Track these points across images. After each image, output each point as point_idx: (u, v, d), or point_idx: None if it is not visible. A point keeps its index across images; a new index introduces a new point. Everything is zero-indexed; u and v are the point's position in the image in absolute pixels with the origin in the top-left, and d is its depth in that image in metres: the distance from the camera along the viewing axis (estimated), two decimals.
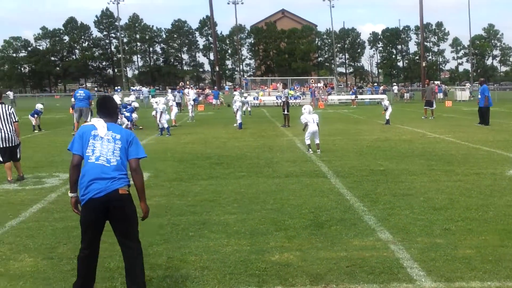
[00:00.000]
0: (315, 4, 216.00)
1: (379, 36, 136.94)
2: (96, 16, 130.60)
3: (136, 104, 26.50)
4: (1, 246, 6.88)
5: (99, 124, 5.16)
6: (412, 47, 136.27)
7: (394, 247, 6.60)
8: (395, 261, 6.09)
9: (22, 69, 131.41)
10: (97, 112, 5.36)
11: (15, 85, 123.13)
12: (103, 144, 5.05)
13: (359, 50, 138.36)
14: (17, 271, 5.97)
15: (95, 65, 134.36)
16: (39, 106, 26.94)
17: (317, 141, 15.46)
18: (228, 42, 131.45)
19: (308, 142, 15.45)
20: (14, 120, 11.76)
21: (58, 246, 6.88)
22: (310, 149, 15.29)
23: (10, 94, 66.85)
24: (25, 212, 8.77)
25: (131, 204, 5.18)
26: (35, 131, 25.15)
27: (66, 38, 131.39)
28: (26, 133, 24.14)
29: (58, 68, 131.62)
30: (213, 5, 63.18)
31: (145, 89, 66.92)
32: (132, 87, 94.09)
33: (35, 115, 26.11)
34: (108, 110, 5.35)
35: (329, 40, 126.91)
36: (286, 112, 26.24)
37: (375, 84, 79.02)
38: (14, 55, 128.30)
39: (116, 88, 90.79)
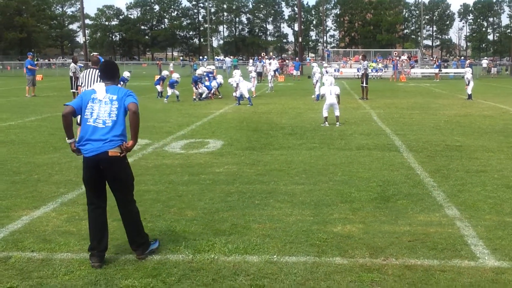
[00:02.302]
0: None
1: (470, 8, 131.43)
2: None
3: (220, 79, 26.97)
4: (76, 207, 7.24)
5: (99, 87, 5.41)
6: (505, 20, 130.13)
7: (460, 223, 6.47)
8: (459, 238, 5.98)
9: (113, 37, 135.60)
10: (100, 76, 5.67)
11: (106, 52, 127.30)
12: (100, 106, 5.27)
13: (447, 23, 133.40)
14: (87, 231, 6.27)
15: (182, 35, 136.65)
16: (126, 74, 27.72)
17: (337, 113, 15.29)
18: (313, 13, 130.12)
19: (325, 114, 15.34)
20: None
21: None
22: (326, 122, 15.20)
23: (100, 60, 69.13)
24: None
25: (120, 165, 5.38)
26: None
27: (157, 7, 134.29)
28: None
29: (147, 37, 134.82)
30: None
31: (228, 59, 67.58)
32: (216, 57, 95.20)
33: (121, 82, 26.90)
34: (108, 73, 5.58)
35: (417, 12, 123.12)
36: (364, 84, 25.83)
37: (462, 57, 76.01)
38: (106, 23, 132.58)
39: (200, 57, 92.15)
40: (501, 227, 6.34)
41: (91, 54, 30.29)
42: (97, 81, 12.08)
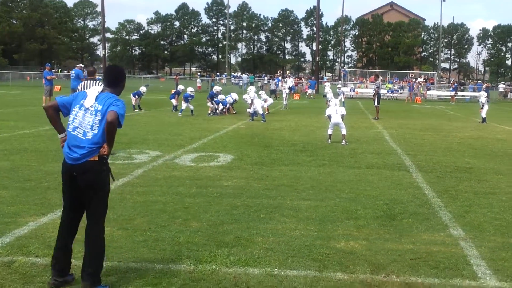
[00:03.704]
0: None
1: (490, 33, 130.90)
2: (207, 3, 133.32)
3: (235, 96, 27.17)
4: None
5: (91, 93, 5.08)
6: None
7: (464, 244, 6.46)
8: (462, 258, 5.97)
9: (133, 51, 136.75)
10: (103, 79, 5.33)
11: (125, 66, 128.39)
12: (85, 116, 4.95)
13: (466, 46, 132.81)
14: None
15: (201, 51, 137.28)
16: (143, 89, 27.99)
17: (343, 132, 15.48)
18: (332, 33, 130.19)
19: (329, 132, 15.61)
20: None
21: (135, 218, 7.24)
22: (329, 140, 15.47)
23: None
24: (111, 185, 9.21)
25: (96, 173, 4.92)
26: (135, 110, 26.19)
27: (177, 23, 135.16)
28: (126, 111, 25.25)
29: (166, 52, 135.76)
30: None
31: (244, 76, 68.06)
32: (233, 74, 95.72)
33: (136, 96, 27.17)
34: (109, 79, 5.25)
35: (436, 35, 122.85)
36: (376, 104, 25.84)
37: (479, 81, 75.64)
38: (127, 37, 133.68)
39: (218, 73, 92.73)
40: (505, 248, 6.32)
41: (88, 66, 30.32)
42: None
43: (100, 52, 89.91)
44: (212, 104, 24.99)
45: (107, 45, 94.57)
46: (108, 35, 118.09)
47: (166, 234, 6.54)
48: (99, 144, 4.89)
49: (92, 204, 4.99)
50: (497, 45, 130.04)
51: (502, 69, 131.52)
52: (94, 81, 12.60)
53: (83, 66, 27.18)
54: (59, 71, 79.15)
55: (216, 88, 26.78)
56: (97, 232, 5.01)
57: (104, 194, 5.07)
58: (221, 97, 25.81)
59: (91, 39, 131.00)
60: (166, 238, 6.39)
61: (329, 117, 15.74)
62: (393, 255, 6.01)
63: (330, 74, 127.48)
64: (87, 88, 12.43)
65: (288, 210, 7.83)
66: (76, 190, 4.95)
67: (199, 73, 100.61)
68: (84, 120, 4.93)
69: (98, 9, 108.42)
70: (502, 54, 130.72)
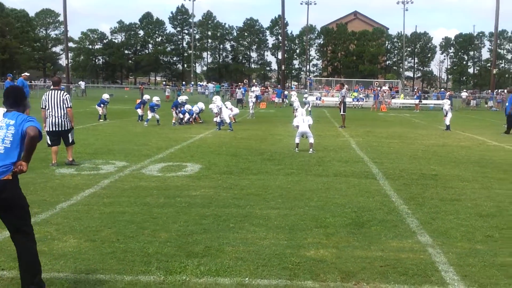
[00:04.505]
0: (388, 7, 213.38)
1: (452, 42, 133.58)
2: (172, 13, 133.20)
3: (201, 105, 27.11)
4: (49, 227, 7.20)
5: None
6: (485, 54, 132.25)
7: (432, 250, 6.53)
8: (430, 264, 6.03)
9: (96, 60, 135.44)
10: (3, 102, 5.10)
11: (89, 75, 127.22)
12: None
13: (429, 55, 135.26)
14: (60, 251, 6.24)
15: (166, 60, 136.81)
16: (105, 96, 27.84)
17: (311, 141, 15.55)
18: (297, 42, 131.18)
19: (297, 141, 15.69)
20: (67, 106, 12.27)
21: (102, 229, 7.13)
22: (297, 148, 15.52)
23: (82, 84, 69.30)
24: (77, 196, 9.13)
25: (12, 190, 4.78)
26: (100, 120, 25.93)
27: (141, 32, 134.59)
28: (92, 121, 25.04)
29: (130, 61, 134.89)
30: (286, 5, 62.98)
31: (210, 85, 68.00)
32: (199, 83, 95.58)
33: (101, 105, 26.93)
34: (11, 99, 5.11)
35: (400, 44, 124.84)
36: (342, 112, 26.10)
37: (442, 89, 77.03)
38: (90, 46, 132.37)
39: (183, 83, 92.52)
40: (472, 254, 6.41)
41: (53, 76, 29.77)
42: (58, 103, 12.16)
43: (63, 61, 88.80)
44: (177, 114, 24.84)
45: (70, 54, 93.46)
46: (70, 44, 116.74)
47: (134, 245, 6.46)
48: (10, 160, 4.76)
49: (20, 217, 4.91)
50: (459, 53, 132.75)
51: (464, 77, 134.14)
52: (59, 91, 12.52)
53: (28, 75, 26.73)
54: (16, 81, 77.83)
55: (182, 98, 26.61)
56: (34, 243, 4.99)
57: (27, 206, 5.00)
58: (187, 107, 25.66)
59: (54, 49, 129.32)
60: (135, 249, 6.31)
61: (297, 126, 15.81)
62: (362, 262, 6.04)
63: (296, 83, 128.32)
64: (51, 98, 12.38)
65: (257, 219, 7.82)
66: None
67: (164, 82, 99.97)
68: None
69: (61, 18, 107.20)
70: (464, 62, 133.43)
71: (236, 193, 9.59)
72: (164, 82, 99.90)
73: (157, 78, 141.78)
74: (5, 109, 5.04)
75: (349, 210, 8.45)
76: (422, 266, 5.95)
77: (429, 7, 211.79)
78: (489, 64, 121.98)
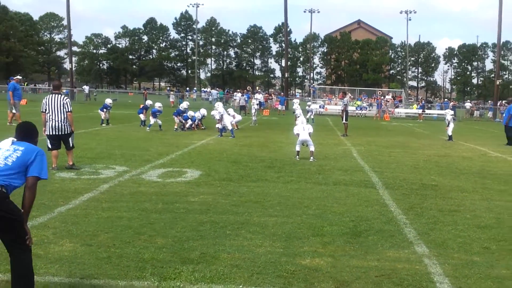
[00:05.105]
0: (392, 16, 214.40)
1: (455, 52, 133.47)
2: (175, 19, 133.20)
3: (203, 111, 27.12)
4: (46, 230, 7.22)
5: (6, 141, 4.99)
6: (489, 65, 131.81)
7: (428, 261, 6.51)
8: (425, 275, 6.01)
9: (101, 65, 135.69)
10: (15, 135, 5.14)
11: (93, 80, 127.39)
12: (1, 151, 4.87)
13: (433, 65, 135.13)
14: (56, 255, 6.24)
15: (170, 66, 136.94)
16: (108, 100, 27.92)
17: (311, 149, 15.55)
18: (301, 49, 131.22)
19: (297, 148, 15.71)
20: (67, 110, 12.29)
21: (99, 234, 7.14)
22: (297, 156, 15.54)
23: (86, 88, 69.55)
24: (75, 200, 9.14)
25: (4, 205, 4.66)
26: (103, 125, 25.97)
27: (145, 38, 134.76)
28: (95, 126, 25.09)
29: (134, 67, 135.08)
30: (289, 13, 63.39)
31: (214, 92, 68.15)
32: (203, 89, 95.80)
33: (104, 109, 26.97)
34: (24, 134, 5.15)
35: (403, 53, 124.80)
36: (344, 121, 26.12)
37: (446, 99, 77.05)
38: (94, 51, 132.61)
39: (187, 89, 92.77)
40: (468, 265, 6.39)
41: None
42: (59, 107, 12.20)
43: (67, 65, 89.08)
44: (179, 120, 24.86)
45: (74, 58, 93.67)
46: (75, 48, 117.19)
47: (130, 251, 6.46)
48: (4, 174, 4.71)
49: (8, 233, 4.76)
50: (463, 64, 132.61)
51: (468, 88, 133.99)
52: (60, 95, 12.55)
53: (20, 78, 26.86)
54: (25, 84, 78.11)
55: (183, 105, 26.61)
56: (29, 254, 4.88)
57: (21, 218, 4.80)
58: (190, 113, 25.70)
59: (58, 53, 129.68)
60: (130, 255, 6.31)
61: (297, 134, 15.83)
62: (357, 272, 6.03)
63: (300, 91, 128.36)
64: (51, 102, 12.39)
65: (254, 226, 7.81)
66: None
67: (168, 88, 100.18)
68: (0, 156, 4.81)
69: (65, 22, 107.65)
70: (468, 73, 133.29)
71: (234, 200, 9.59)
72: (168, 88, 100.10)
73: (161, 83, 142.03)
74: (16, 139, 5.04)
75: (347, 219, 8.44)
76: (417, 277, 5.93)
77: (432, 17, 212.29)
78: (493, 75, 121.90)
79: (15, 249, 4.80)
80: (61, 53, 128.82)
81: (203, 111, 27.17)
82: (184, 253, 6.46)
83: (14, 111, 24.66)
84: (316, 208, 9.16)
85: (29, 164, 4.85)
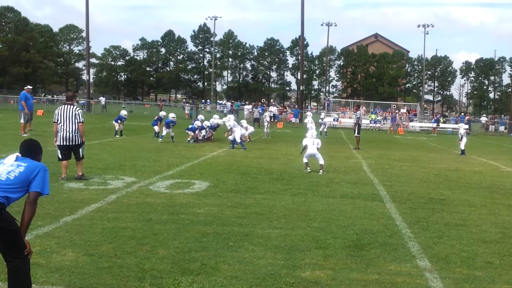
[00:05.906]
0: (409, 30, 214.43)
1: (472, 66, 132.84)
2: (193, 31, 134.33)
3: (219, 120, 27.18)
4: (50, 240, 7.26)
5: (10, 157, 5.07)
6: (506, 79, 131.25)
7: (429, 275, 6.48)
8: None
9: (118, 77, 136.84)
10: (19, 151, 5.21)
11: (110, 91, 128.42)
12: (4, 166, 4.94)
13: (449, 79, 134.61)
14: (57, 264, 6.28)
15: (186, 78, 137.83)
16: (123, 112, 28.07)
17: (321, 162, 15.55)
18: (317, 62, 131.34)
19: (305, 160, 15.77)
20: (79, 121, 12.41)
21: (102, 244, 7.18)
22: (308, 168, 15.57)
23: (102, 99, 70.01)
24: (82, 210, 9.21)
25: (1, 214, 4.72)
26: (116, 136, 26.10)
27: (163, 50, 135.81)
28: (108, 137, 25.23)
29: (152, 78, 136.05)
30: (306, 26, 63.39)
31: (228, 104, 68.54)
32: (218, 101, 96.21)
33: (119, 121, 27.12)
34: (27, 152, 5.20)
35: (420, 67, 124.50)
36: (356, 134, 26.08)
37: (462, 114, 76.59)
38: (112, 63, 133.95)
39: (203, 101, 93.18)
40: (470, 280, 6.35)
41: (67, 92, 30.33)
42: (71, 117, 12.33)
43: (85, 77, 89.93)
44: (194, 133, 24.72)
45: (92, 70, 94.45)
46: (93, 60, 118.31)
47: (131, 261, 6.49)
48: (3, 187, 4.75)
49: (9, 240, 4.79)
50: (480, 78, 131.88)
51: (485, 102, 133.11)
52: (72, 106, 12.69)
53: (30, 88, 27.12)
54: (43, 95, 78.93)
55: (197, 123, 26.01)
56: (26, 263, 4.90)
57: (14, 232, 4.80)
58: (206, 123, 25.63)
59: (77, 64, 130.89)
60: (131, 265, 6.34)
61: (306, 146, 15.83)
62: (357, 285, 6.01)
63: (315, 104, 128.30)
64: (64, 112, 12.51)
65: (257, 238, 7.82)
66: None
67: (184, 100, 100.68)
68: (3, 170, 4.88)
69: (84, 34, 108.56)
70: (485, 87, 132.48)
71: (240, 211, 9.61)
72: (184, 100, 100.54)
73: (177, 95, 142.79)
74: (20, 155, 5.11)
75: (351, 232, 8.42)
76: None
77: (450, 31, 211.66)
78: (509, 90, 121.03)
79: (12, 259, 4.82)
80: (80, 64, 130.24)
81: (218, 120, 27.16)
82: (185, 264, 6.48)
83: (22, 120, 24.84)
84: (321, 221, 9.14)
85: (31, 179, 4.91)
